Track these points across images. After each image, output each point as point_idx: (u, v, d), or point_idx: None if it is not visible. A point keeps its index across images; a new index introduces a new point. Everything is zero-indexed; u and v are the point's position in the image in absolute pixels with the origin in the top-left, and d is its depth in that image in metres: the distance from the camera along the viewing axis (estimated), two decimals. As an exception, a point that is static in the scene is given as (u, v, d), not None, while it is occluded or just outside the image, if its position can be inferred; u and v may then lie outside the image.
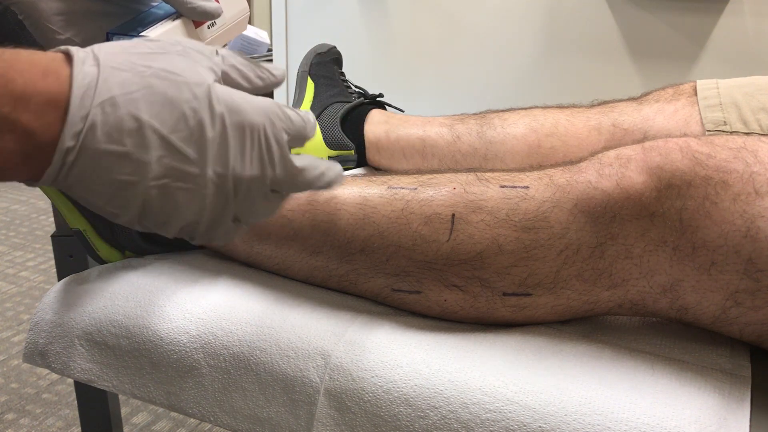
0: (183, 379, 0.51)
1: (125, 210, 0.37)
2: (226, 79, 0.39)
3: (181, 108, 0.35)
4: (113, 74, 0.35)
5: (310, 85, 0.90)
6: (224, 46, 0.54)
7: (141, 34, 0.46)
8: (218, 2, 0.50)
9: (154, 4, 0.51)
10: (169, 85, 0.36)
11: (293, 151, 0.41)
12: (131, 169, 0.35)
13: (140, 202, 0.36)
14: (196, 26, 0.49)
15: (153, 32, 0.46)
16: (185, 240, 0.59)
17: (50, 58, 0.34)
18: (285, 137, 0.39)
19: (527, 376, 0.44)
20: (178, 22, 0.48)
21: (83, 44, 0.48)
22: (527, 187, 0.48)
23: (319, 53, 0.93)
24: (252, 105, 0.38)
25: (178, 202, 0.37)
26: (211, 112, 0.36)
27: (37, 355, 0.55)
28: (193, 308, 0.52)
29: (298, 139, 0.41)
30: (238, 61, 0.41)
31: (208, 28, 0.51)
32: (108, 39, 0.47)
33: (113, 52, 0.36)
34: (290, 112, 0.40)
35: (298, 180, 0.41)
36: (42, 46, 0.50)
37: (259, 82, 0.42)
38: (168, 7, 0.50)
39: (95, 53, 0.35)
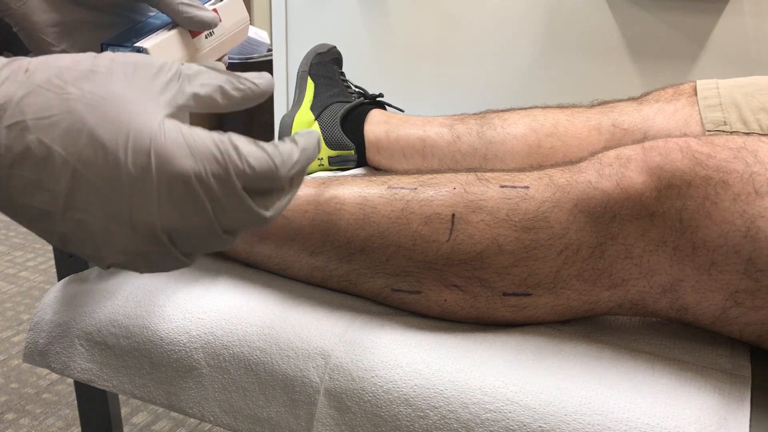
0: (183, 379, 0.51)
1: (48, 238, 0.34)
2: (196, 100, 0.36)
3: (100, 141, 0.32)
4: (34, 94, 0.32)
5: (310, 85, 0.90)
6: (224, 56, 0.53)
7: (136, 44, 0.45)
8: (216, 12, 0.50)
9: (151, 14, 0.50)
10: (93, 114, 0.32)
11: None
12: (45, 198, 0.32)
13: (59, 233, 0.33)
14: (193, 36, 0.49)
15: (148, 42, 0.46)
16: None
17: None
18: (237, 184, 0.34)
19: (527, 376, 0.44)
20: (174, 32, 0.47)
21: None
22: (527, 187, 0.48)
23: (319, 53, 0.93)
24: (191, 149, 0.33)
25: (96, 241, 0.33)
26: (132, 153, 0.32)
27: (37, 355, 0.55)
28: (193, 308, 0.52)
29: (265, 178, 0.35)
30: (210, 76, 0.37)
31: (206, 37, 0.50)
32: (102, 50, 0.46)
33: (47, 66, 0.33)
34: (251, 155, 0.34)
35: (257, 223, 0.36)
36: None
37: (236, 95, 0.38)
38: (165, 17, 0.49)
39: (28, 67, 0.33)
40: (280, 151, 0.36)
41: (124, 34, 0.48)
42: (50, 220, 0.33)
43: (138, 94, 0.33)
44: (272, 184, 0.36)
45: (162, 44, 0.46)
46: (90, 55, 0.35)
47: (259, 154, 0.35)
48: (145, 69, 0.35)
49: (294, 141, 0.37)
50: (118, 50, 0.46)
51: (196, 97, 0.36)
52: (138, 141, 0.32)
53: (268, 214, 0.36)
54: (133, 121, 0.32)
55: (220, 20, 0.50)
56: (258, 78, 0.39)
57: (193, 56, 0.49)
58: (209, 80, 0.37)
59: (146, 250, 0.34)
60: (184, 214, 0.33)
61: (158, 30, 0.47)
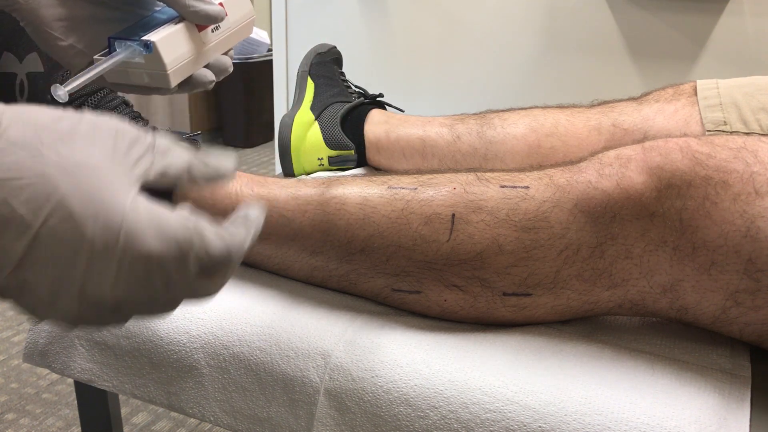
0: (183, 379, 0.51)
1: None
2: (164, 177, 0.36)
3: (69, 211, 0.31)
4: (5, 153, 0.31)
5: (310, 85, 0.90)
6: (229, 50, 0.54)
7: (143, 38, 0.46)
8: (222, 6, 0.50)
9: (157, 8, 0.50)
10: (67, 182, 0.31)
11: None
12: None
13: (0, 286, 0.32)
14: (200, 30, 0.49)
15: (155, 36, 0.46)
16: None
17: None
18: (192, 270, 0.34)
19: (527, 376, 0.44)
20: (181, 25, 0.48)
21: (86, 50, 0.48)
22: (527, 187, 0.48)
23: (319, 53, 0.93)
24: (159, 230, 0.33)
25: (38, 303, 0.33)
26: (101, 229, 0.31)
27: (37, 354, 0.55)
28: (193, 308, 0.52)
29: (218, 266, 0.36)
30: (179, 153, 0.37)
31: (212, 31, 0.50)
32: (109, 44, 0.47)
33: (23, 122, 0.32)
34: (211, 244, 0.35)
35: (199, 301, 0.37)
36: (44, 52, 0.50)
37: (199, 177, 0.38)
38: (171, 12, 0.49)
39: (1, 119, 0.32)
40: (236, 241, 0.37)
41: (131, 29, 0.48)
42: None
43: (113, 167, 0.33)
44: (220, 270, 0.36)
45: (169, 38, 0.47)
46: (71, 115, 0.34)
47: (219, 244, 0.36)
48: (123, 138, 0.35)
49: (247, 225, 0.38)
50: (125, 44, 0.46)
51: (164, 175, 0.36)
52: (109, 217, 0.32)
53: (211, 294, 0.37)
54: (106, 195, 0.32)
55: (226, 14, 0.51)
56: (224, 158, 0.39)
57: (199, 50, 0.49)
58: (178, 159, 0.37)
59: (86, 316, 0.34)
60: (135, 290, 0.33)
61: (165, 24, 0.48)
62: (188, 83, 0.50)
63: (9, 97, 0.55)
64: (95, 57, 0.47)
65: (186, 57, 0.48)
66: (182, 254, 0.34)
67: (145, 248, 0.32)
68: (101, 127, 0.34)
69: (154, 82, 0.48)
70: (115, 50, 0.46)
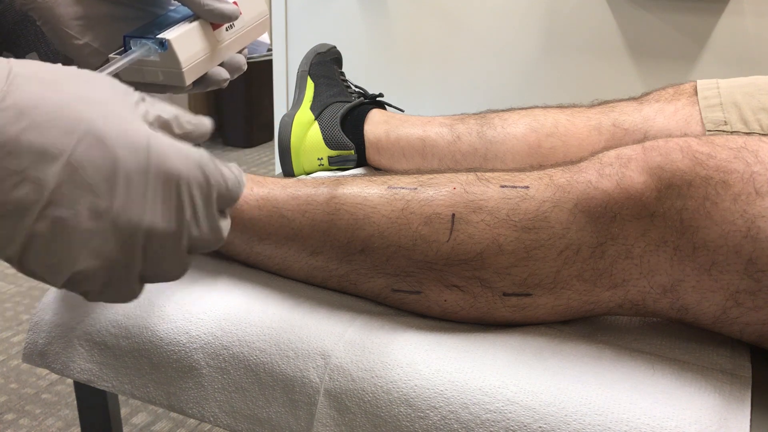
0: (183, 379, 0.50)
1: (9, 242, 0.31)
2: (159, 122, 0.36)
3: (98, 135, 0.31)
4: (22, 86, 0.31)
5: (310, 85, 0.90)
6: (243, 49, 0.54)
7: (158, 36, 0.46)
8: (236, 4, 0.50)
9: (172, 7, 0.51)
10: (89, 109, 0.32)
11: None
12: (27, 191, 0.30)
13: (27, 235, 0.31)
14: (214, 28, 0.49)
15: (170, 34, 0.46)
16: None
17: None
18: (214, 195, 0.35)
19: (527, 376, 0.44)
20: (195, 23, 0.48)
21: (101, 48, 0.48)
22: (527, 187, 0.48)
23: (319, 53, 0.93)
24: (182, 153, 0.33)
25: (71, 242, 0.32)
26: (130, 149, 0.31)
27: (36, 355, 0.55)
28: (193, 308, 0.52)
29: (226, 200, 0.36)
30: (164, 105, 0.37)
31: (227, 30, 0.50)
32: (125, 42, 0.47)
33: (33, 65, 0.33)
34: (224, 169, 0.36)
35: (215, 242, 0.37)
36: (60, 52, 0.50)
37: (187, 127, 0.38)
38: (186, 10, 0.50)
39: (12, 67, 0.32)
40: (237, 176, 0.38)
41: (147, 27, 0.48)
42: (23, 217, 0.31)
43: (121, 101, 0.34)
44: (229, 204, 0.37)
45: (184, 36, 0.47)
46: (67, 67, 0.35)
47: (230, 174, 0.36)
48: (119, 85, 0.35)
49: (236, 168, 0.39)
50: (140, 42, 0.46)
51: (159, 119, 0.36)
52: (137, 140, 0.32)
53: (224, 234, 0.37)
54: (126, 121, 0.32)
55: (241, 13, 0.51)
56: (203, 119, 0.40)
57: (214, 48, 0.49)
58: (167, 108, 0.37)
59: (116, 258, 0.33)
60: (166, 217, 0.33)
61: (180, 22, 0.48)
62: (203, 81, 0.50)
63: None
64: (110, 56, 0.47)
65: (201, 55, 0.48)
66: (206, 178, 0.34)
67: (175, 168, 0.33)
68: (97, 76, 0.35)
69: (169, 80, 0.48)
70: (131, 48, 0.46)
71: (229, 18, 0.49)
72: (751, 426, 0.40)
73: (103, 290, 0.35)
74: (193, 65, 0.48)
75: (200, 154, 0.35)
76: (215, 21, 0.49)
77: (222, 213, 0.37)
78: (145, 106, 0.36)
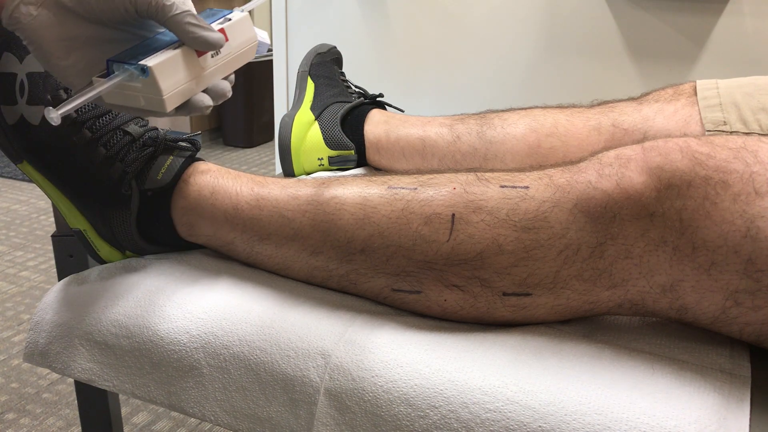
0: (183, 378, 0.51)
1: None
2: None
3: None
4: None
5: (310, 85, 0.90)
6: (229, 75, 0.53)
7: (140, 62, 0.46)
8: (223, 31, 0.50)
9: (160, 30, 0.50)
10: None
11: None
12: None
13: None
14: (199, 55, 0.49)
15: (152, 60, 0.46)
16: (185, 241, 0.59)
17: None
18: None
19: (527, 376, 0.44)
20: (179, 50, 0.47)
21: (86, 70, 0.48)
22: (527, 187, 0.48)
23: (320, 53, 0.93)
24: None
25: None
26: None
27: (37, 354, 0.55)
28: (193, 308, 0.52)
29: None
30: None
31: (212, 56, 0.50)
32: (108, 66, 0.47)
33: None
34: None
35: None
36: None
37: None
38: (172, 35, 0.49)
39: None
40: None
41: (130, 51, 0.48)
42: None
43: None
44: None
45: (166, 63, 0.46)
46: None
47: None
48: None
49: None
50: (123, 67, 0.46)
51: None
52: None
53: None
54: None
55: (227, 40, 0.50)
56: None
57: (197, 75, 0.49)
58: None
59: None
60: None
61: (165, 48, 0.47)
62: (185, 107, 0.50)
63: (9, 98, 0.55)
64: (94, 78, 0.47)
65: (183, 82, 0.48)
66: None
67: None
68: None
69: (150, 106, 0.47)
70: (113, 72, 0.46)
71: (213, 46, 0.48)
72: (750, 425, 0.41)
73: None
74: (174, 92, 0.47)
75: None
76: (200, 49, 0.48)
77: None
78: None
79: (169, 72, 0.47)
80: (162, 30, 0.50)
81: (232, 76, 0.54)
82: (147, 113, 0.49)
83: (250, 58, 0.55)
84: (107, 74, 0.47)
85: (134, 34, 0.49)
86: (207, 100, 0.51)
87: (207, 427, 1.15)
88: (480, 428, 0.42)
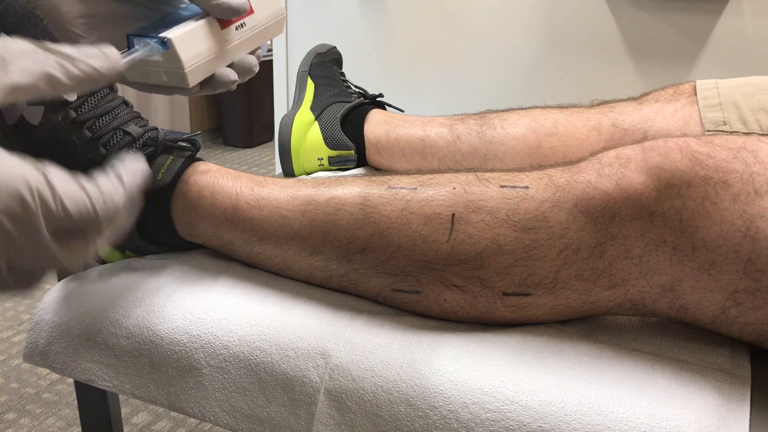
0: (183, 379, 0.51)
1: None
2: (15, 93, 0.31)
3: None
4: None
5: (310, 86, 0.90)
6: (257, 49, 0.51)
7: (161, 35, 0.44)
8: (249, 4, 0.48)
9: (183, 5, 0.49)
10: None
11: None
12: None
13: None
14: (223, 27, 0.47)
15: (173, 33, 0.44)
16: (185, 241, 0.60)
17: None
18: (42, 229, 0.29)
19: (527, 376, 0.44)
20: (201, 22, 0.46)
21: None
22: (527, 187, 0.48)
23: (319, 53, 0.93)
24: None
25: None
26: None
27: (37, 354, 0.55)
28: (193, 308, 0.52)
29: (77, 223, 0.30)
30: (36, 59, 0.31)
31: (237, 29, 0.48)
32: (128, 41, 0.46)
33: None
34: (68, 197, 0.30)
35: (60, 266, 0.31)
36: None
37: (67, 83, 0.32)
38: (196, 8, 0.48)
39: None
40: (102, 192, 0.31)
41: (152, 25, 0.46)
42: None
43: None
44: (85, 227, 0.31)
45: (188, 35, 0.45)
46: None
47: (78, 196, 0.30)
48: None
49: (120, 178, 0.33)
50: (142, 41, 0.45)
51: (15, 89, 0.30)
52: None
53: (75, 260, 0.32)
54: None
55: (252, 11, 0.48)
56: (100, 58, 0.34)
57: (221, 48, 0.47)
58: (34, 65, 0.31)
59: None
60: None
61: (186, 21, 0.46)
62: (210, 83, 0.48)
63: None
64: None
65: (206, 55, 0.46)
66: (27, 211, 0.28)
67: None
68: None
69: (172, 81, 0.46)
70: (134, 48, 0.45)
71: (236, 12, 0.47)
72: (750, 425, 0.41)
73: None
74: (196, 66, 0.46)
75: (26, 181, 0.28)
76: (223, 16, 0.47)
77: (78, 234, 0.31)
78: None
79: (190, 44, 0.45)
80: (185, 5, 0.49)
81: (260, 51, 0.52)
82: (170, 90, 0.47)
83: (279, 32, 0.53)
84: (128, 50, 0.45)
85: (156, 10, 0.48)
86: (232, 75, 0.49)
87: (207, 427, 1.15)
88: (480, 428, 0.42)
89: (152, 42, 0.45)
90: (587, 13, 1.13)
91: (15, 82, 0.30)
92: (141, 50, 0.44)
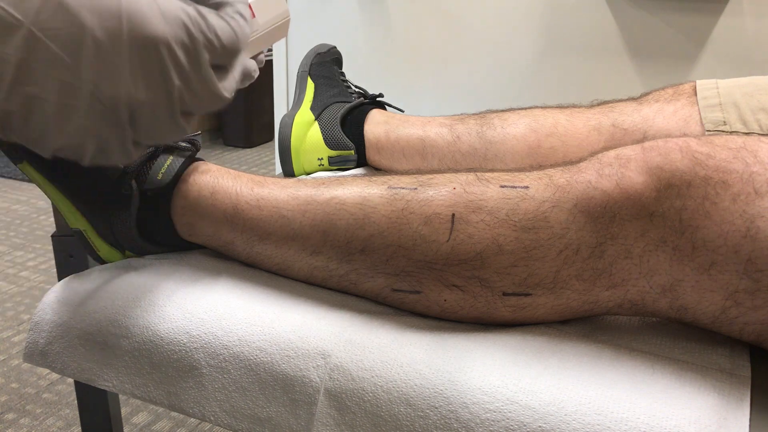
0: (183, 378, 0.51)
1: None
2: None
3: (61, 0, 0.28)
4: None
5: (310, 85, 0.90)
6: (259, 54, 0.50)
7: None
8: (250, 7, 0.46)
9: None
10: None
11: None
12: None
13: (1, 111, 0.29)
14: None
15: None
16: (185, 241, 0.60)
17: None
18: (205, 55, 0.32)
19: (527, 376, 0.44)
20: None
21: None
22: (527, 187, 0.48)
23: (320, 53, 0.93)
24: (161, 13, 0.30)
25: (47, 118, 0.30)
26: (100, 16, 0.28)
27: (37, 354, 0.55)
28: (193, 308, 0.52)
29: (224, 56, 0.33)
30: None
31: None
32: None
33: None
34: (217, 23, 0.32)
35: (216, 103, 0.34)
36: None
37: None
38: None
39: None
40: (239, 24, 0.34)
41: None
42: None
43: None
44: (230, 59, 0.34)
45: None
46: None
47: (224, 26, 0.33)
48: None
49: (241, 15, 0.36)
50: None
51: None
52: (106, 2, 0.28)
53: (226, 94, 0.35)
54: None
55: (254, 16, 0.48)
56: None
57: None
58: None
59: (101, 131, 0.31)
60: (150, 86, 0.30)
61: None
62: None
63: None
64: None
65: None
66: (192, 38, 0.31)
67: (153, 31, 0.29)
68: None
69: None
70: None
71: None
72: (750, 425, 0.41)
73: (96, 156, 0.33)
74: None
75: (185, 11, 0.31)
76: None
77: (222, 68, 0.34)
78: None
79: None
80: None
81: (262, 56, 0.51)
82: None
83: (283, 36, 0.52)
84: None
85: None
86: None
87: (207, 427, 1.15)
88: (480, 428, 0.42)
89: None
90: (587, 13, 1.13)
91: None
92: None
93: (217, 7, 0.36)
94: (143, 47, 0.29)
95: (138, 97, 0.30)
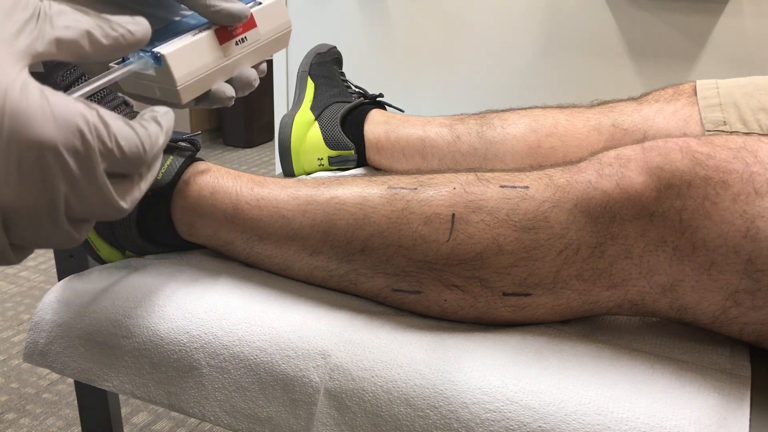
0: (183, 378, 0.51)
1: None
2: (59, 46, 0.31)
3: None
4: None
5: (310, 85, 0.90)
6: (260, 64, 0.50)
7: (155, 49, 0.43)
8: (252, 17, 0.47)
9: (187, 13, 0.47)
10: None
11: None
12: None
13: None
14: (222, 42, 0.45)
15: (168, 48, 0.43)
16: (185, 241, 0.60)
17: None
18: (99, 163, 0.29)
19: (527, 376, 0.44)
20: (200, 36, 0.44)
21: None
22: (527, 187, 0.48)
23: (320, 53, 0.93)
24: (51, 113, 0.28)
25: None
26: None
27: (37, 354, 0.55)
28: (193, 308, 0.52)
29: (131, 162, 0.31)
30: (76, 17, 0.31)
31: (237, 44, 0.46)
32: None
33: None
34: (120, 130, 0.30)
35: (111, 214, 0.31)
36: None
37: (105, 42, 0.33)
38: (202, 18, 0.46)
39: None
40: (149, 133, 0.32)
41: (154, 35, 0.45)
42: None
43: None
44: (134, 169, 0.32)
45: (183, 51, 0.43)
46: None
47: (130, 134, 0.31)
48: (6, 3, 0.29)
49: (158, 122, 0.34)
50: (137, 54, 0.43)
51: (58, 42, 0.30)
52: None
53: (124, 205, 0.32)
54: None
55: (256, 26, 0.47)
56: (132, 23, 0.34)
57: (219, 64, 0.46)
58: (74, 23, 0.31)
59: None
60: (29, 192, 0.28)
61: (187, 32, 0.45)
62: (206, 99, 0.47)
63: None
64: (111, 64, 0.43)
65: (201, 72, 0.45)
66: (86, 144, 0.28)
67: (38, 135, 0.27)
68: None
69: (165, 97, 0.45)
70: (128, 59, 0.43)
71: (237, 19, 0.45)
72: (750, 425, 0.41)
73: None
74: (190, 83, 0.44)
75: (83, 116, 0.29)
76: (223, 23, 0.45)
77: (125, 177, 0.32)
78: (36, 29, 0.30)
79: (185, 61, 0.44)
80: (190, 13, 0.47)
81: (263, 66, 0.51)
82: (163, 104, 0.47)
83: (284, 46, 0.51)
84: (123, 61, 0.43)
85: (157, 18, 0.46)
86: (229, 91, 0.48)
87: (207, 427, 1.15)
88: (480, 428, 0.42)
89: (146, 56, 0.43)
90: (587, 13, 1.13)
91: (58, 36, 0.31)
92: (135, 63, 0.43)
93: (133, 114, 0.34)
94: (25, 150, 0.27)
95: (11, 202, 0.28)
